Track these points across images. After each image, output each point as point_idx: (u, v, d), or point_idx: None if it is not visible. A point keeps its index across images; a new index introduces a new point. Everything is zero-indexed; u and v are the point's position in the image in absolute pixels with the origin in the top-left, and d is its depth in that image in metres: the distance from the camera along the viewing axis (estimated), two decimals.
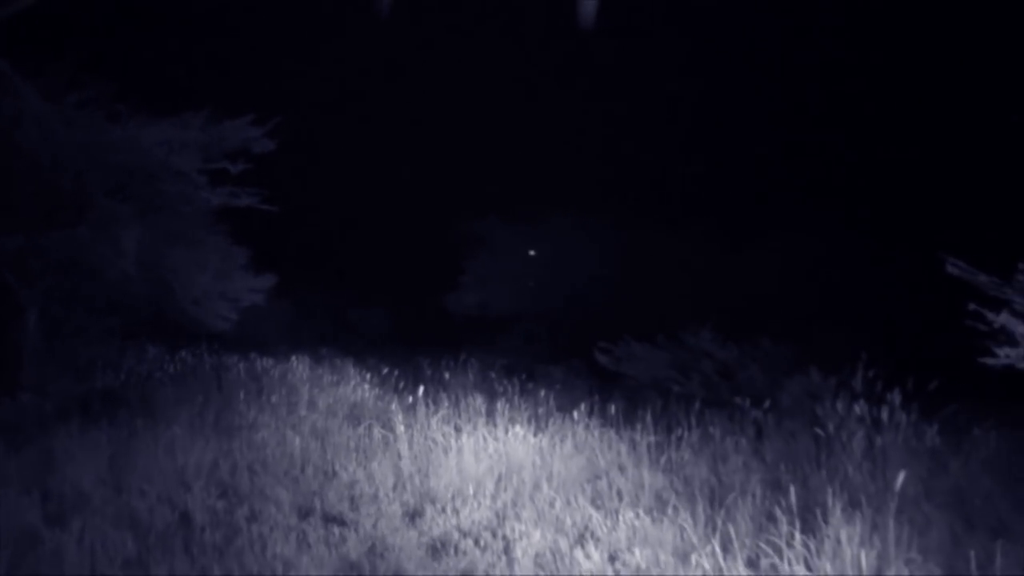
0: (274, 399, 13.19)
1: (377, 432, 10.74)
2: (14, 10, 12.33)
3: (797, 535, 8.95)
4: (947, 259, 10.02)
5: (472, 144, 21.98)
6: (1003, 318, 9.65)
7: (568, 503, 9.59)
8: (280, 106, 16.87)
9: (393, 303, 27.74)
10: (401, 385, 12.48)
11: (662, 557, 8.58)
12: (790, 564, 8.48)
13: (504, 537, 8.94)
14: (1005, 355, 9.62)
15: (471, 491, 9.74)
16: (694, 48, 20.07)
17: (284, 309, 25.04)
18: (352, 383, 14.22)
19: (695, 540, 8.93)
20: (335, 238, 28.21)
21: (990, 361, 9.71)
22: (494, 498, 9.65)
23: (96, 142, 14.41)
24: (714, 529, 9.13)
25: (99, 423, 11.94)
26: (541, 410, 11.40)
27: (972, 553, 8.67)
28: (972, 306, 9.87)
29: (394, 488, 9.80)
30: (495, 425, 11.01)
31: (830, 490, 9.81)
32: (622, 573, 8.33)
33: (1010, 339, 9.61)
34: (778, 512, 9.52)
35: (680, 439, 10.93)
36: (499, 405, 11.33)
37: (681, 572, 8.36)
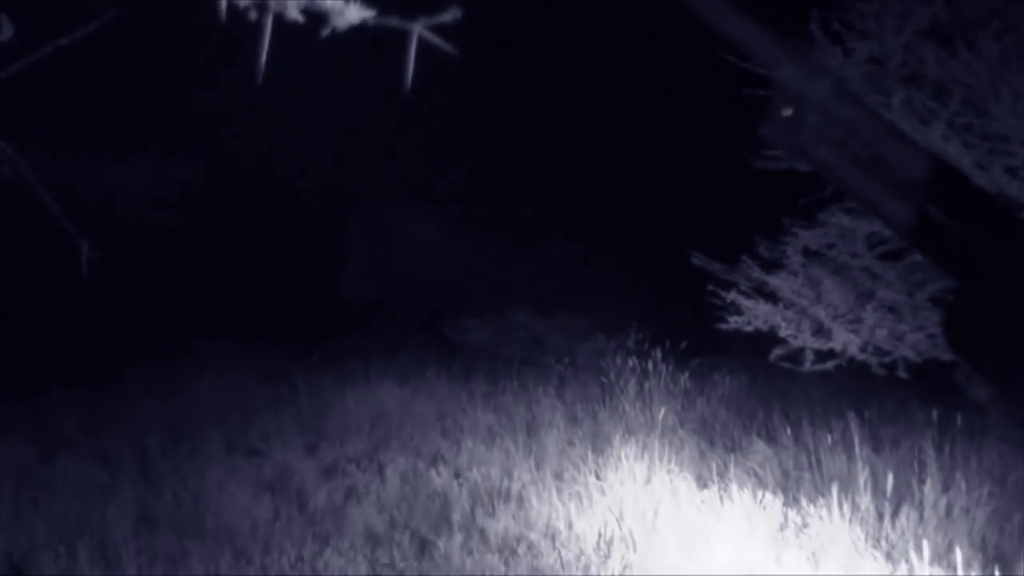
0: None
1: (285, 389, 10.89)
2: None
3: (590, 454, 9.35)
4: (693, 252, 10.46)
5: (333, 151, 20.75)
6: (732, 295, 10.06)
7: (424, 436, 9.85)
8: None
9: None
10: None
11: (493, 472, 8.93)
12: (585, 475, 8.90)
13: (378, 462, 9.18)
14: (734, 321, 10.02)
15: (354, 429, 9.97)
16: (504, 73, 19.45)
17: None
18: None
19: (517, 460, 9.25)
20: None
21: (723, 326, 10.11)
22: (370, 435, 9.85)
23: None
24: (530, 452, 9.44)
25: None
26: (401, 369, 11.72)
27: (713, 464, 9.17)
28: (710, 287, 10.30)
29: (301, 424, 9.97)
30: (367, 381, 11.27)
31: (613, 422, 10.24)
32: (464, 485, 8.66)
33: (737, 310, 10.03)
34: (576, 439, 9.93)
35: (504, 389, 11.18)
36: (373, 367, 11.62)
37: (506, 483, 8.72)
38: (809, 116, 1.15)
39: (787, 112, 1.17)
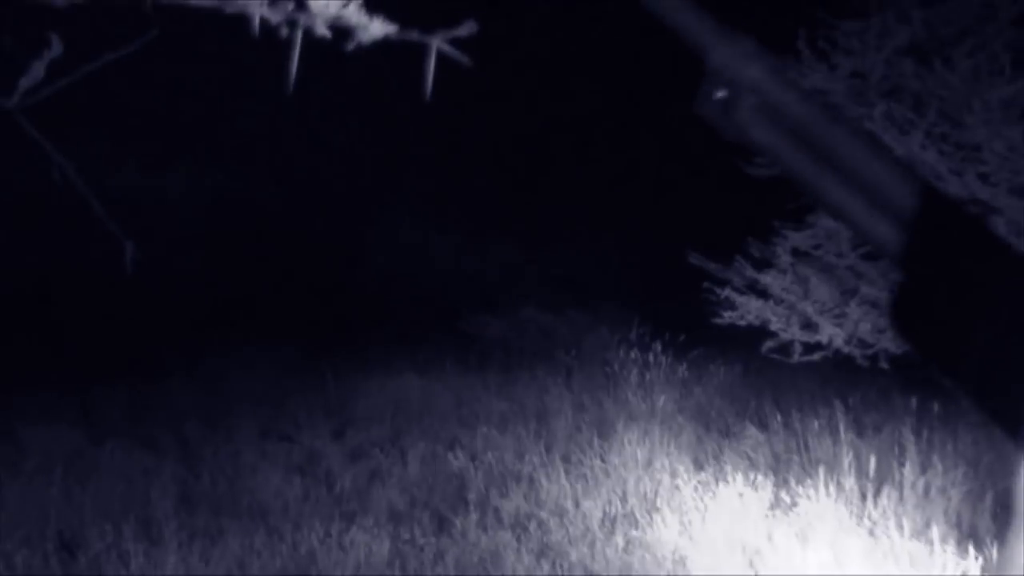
0: None
1: (313, 379, 10.89)
2: None
3: (595, 439, 9.36)
4: (690, 252, 10.47)
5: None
6: (726, 292, 10.08)
7: (443, 423, 9.86)
8: None
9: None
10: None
11: (506, 456, 8.94)
12: (591, 459, 8.92)
13: (400, 446, 9.20)
14: (728, 316, 10.03)
15: (377, 416, 9.99)
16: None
17: None
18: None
19: (528, 444, 9.26)
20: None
21: (718, 321, 10.12)
22: (392, 421, 9.87)
23: None
24: (540, 437, 9.45)
25: None
26: (422, 362, 11.71)
27: (709, 448, 9.18)
28: (706, 284, 10.31)
29: (329, 412, 9.98)
30: (390, 372, 11.27)
31: (616, 409, 10.25)
32: (480, 468, 8.68)
33: (731, 306, 10.04)
34: (582, 425, 9.92)
35: (516, 379, 11.18)
36: (395, 359, 11.60)
37: (518, 466, 8.73)
38: (744, 97, 1.11)
39: (720, 94, 1.13)
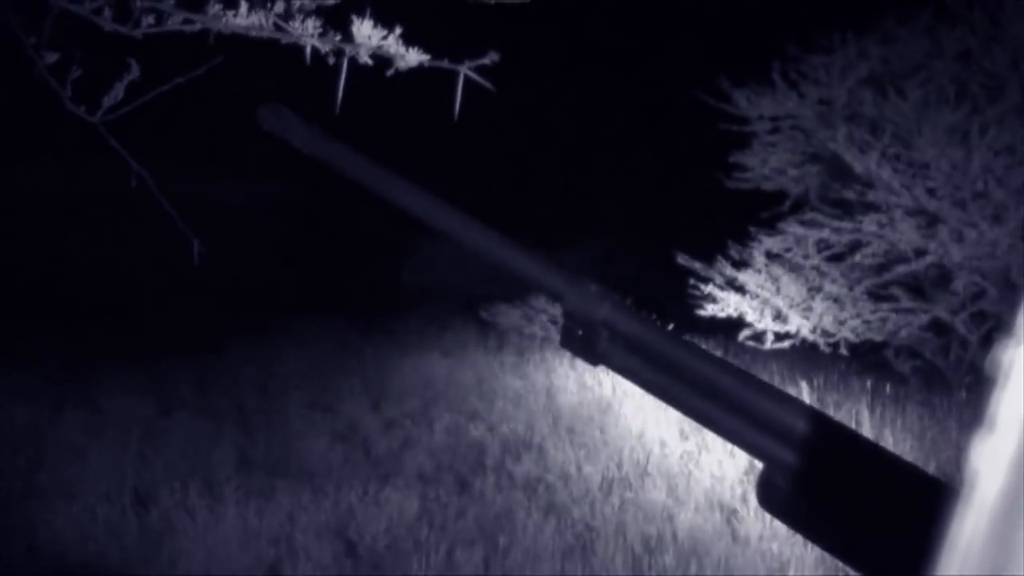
0: None
1: (355, 359, 10.89)
2: None
3: (595, 413, 9.33)
4: (678, 254, 10.46)
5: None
6: (709, 288, 10.08)
7: (464, 398, 9.84)
8: None
9: None
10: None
11: (518, 427, 8.90)
12: (592, 430, 8.89)
13: (428, 417, 9.17)
14: (710, 309, 10.05)
15: (409, 391, 9.97)
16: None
17: None
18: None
19: (537, 417, 9.09)
20: None
21: (702, 312, 10.12)
22: (421, 396, 9.84)
23: None
24: (548, 411, 9.30)
25: None
26: (447, 345, 11.72)
27: (692, 421, 9.17)
28: (692, 281, 10.32)
29: (368, 388, 9.97)
30: (420, 353, 11.27)
31: (613, 388, 10.21)
32: (496, 437, 8.66)
33: (713, 300, 10.04)
34: (585, 401, 9.86)
35: (528, 360, 11.14)
36: (424, 342, 11.64)
37: (529, 435, 8.69)
38: (599, 332, 1.15)
39: (580, 332, 1.18)
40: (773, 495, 1.06)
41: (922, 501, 0.93)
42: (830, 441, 1.03)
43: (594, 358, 1.19)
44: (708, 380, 1.10)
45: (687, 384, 1.12)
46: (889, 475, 1.00)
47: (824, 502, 1.03)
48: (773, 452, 1.05)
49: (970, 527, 0.45)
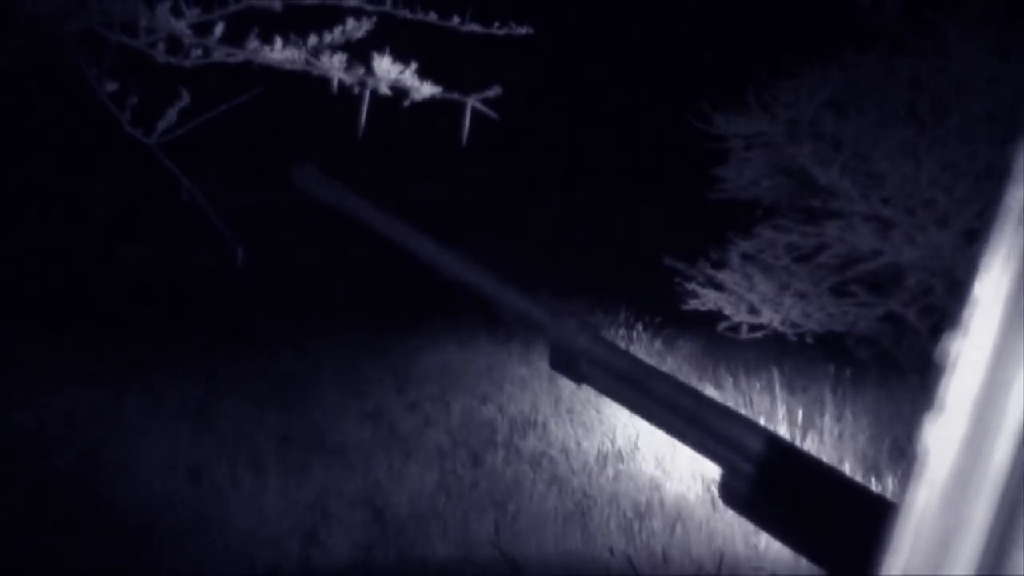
0: None
1: (383, 347, 10.90)
2: None
3: (592, 396, 9.28)
4: (665, 256, 10.45)
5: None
6: (692, 286, 10.07)
7: (477, 382, 9.84)
8: None
9: None
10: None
11: (525, 408, 8.89)
12: (589, 410, 8.87)
13: (445, 400, 9.09)
14: (692, 304, 10.04)
15: (429, 377, 9.97)
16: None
17: None
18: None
19: (541, 399, 9.11)
20: None
21: (685, 307, 10.11)
22: (439, 381, 9.83)
23: None
24: (551, 394, 9.31)
25: None
26: (462, 336, 11.73)
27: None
28: (677, 279, 10.31)
29: (393, 375, 9.96)
30: (438, 343, 11.27)
31: None
32: (505, 417, 8.66)
33: (695, 296, 10.03)
34: (583, 385, 9.91)
35: (533, 350, 11.05)
36: (442, 334, 11.66)
37: (534, 415, 8.68)
38: (579, 358, 1.23)
39: (565, 358, 1.25)
40: (732, 494, 1.10)
41: (850, 500, 1.03)
42: (775, 452, 1.07)
43: (578, 378, 1.27)
44: (669, 399, 1.15)
45: (654, 401, 1.17)
46: (821, 478, 1.06)
47: (772, 500, 1.07)
48: (729, 459, 1.09)
49: (922, 499, 0.45)
